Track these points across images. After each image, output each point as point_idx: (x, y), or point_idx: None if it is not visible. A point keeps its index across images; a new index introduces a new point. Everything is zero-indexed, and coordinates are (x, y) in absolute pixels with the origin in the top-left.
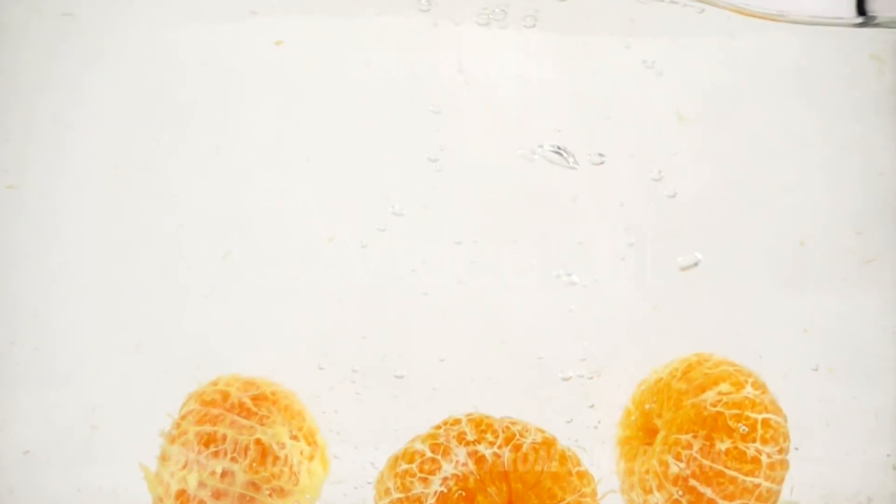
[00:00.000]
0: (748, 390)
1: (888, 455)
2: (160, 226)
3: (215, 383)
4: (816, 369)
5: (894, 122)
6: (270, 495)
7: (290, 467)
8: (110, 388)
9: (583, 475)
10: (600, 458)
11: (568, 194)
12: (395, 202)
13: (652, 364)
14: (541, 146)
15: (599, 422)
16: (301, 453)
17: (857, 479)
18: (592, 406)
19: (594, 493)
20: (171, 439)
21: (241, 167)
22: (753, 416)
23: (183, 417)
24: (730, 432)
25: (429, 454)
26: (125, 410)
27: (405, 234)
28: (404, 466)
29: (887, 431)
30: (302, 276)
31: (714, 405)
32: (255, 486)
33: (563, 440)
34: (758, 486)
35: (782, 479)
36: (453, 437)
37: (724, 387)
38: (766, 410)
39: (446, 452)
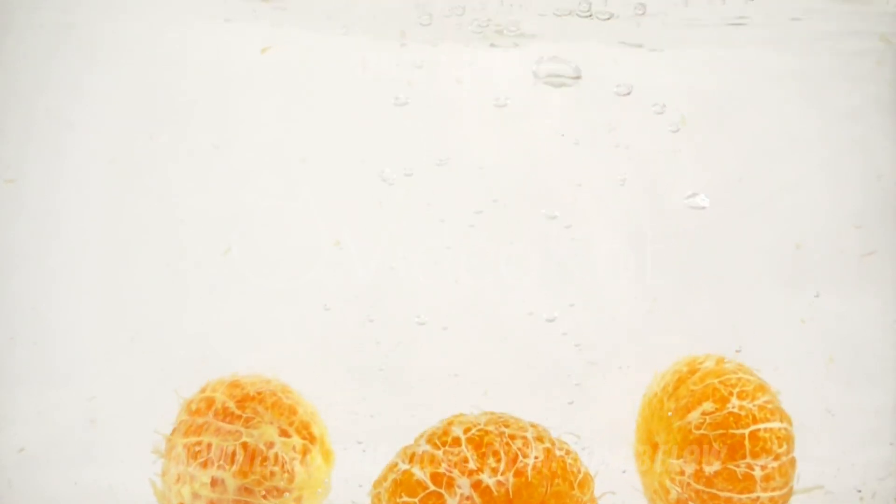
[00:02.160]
0: (732, 404)
1: (888, 450)
2: (160, 224)
3: (203, 390)
4: (816, 365)
5: (894, 123)
6: (265, 497)
7: (283, 465)
8: (109, 385)
9: (583, 484)
10: (600, 453)
11: (569, 195)
12: (395, 202)
13: (650, 361)
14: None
15: (600, 417)
16: (294, 448)
17: (857, 478)
18: (593, 401)
19: (593, 496)
20: (167, 454)
21: (240, 166)
22: (739, 432)
23: (174, 430)
24: (717, 454)
25: (432, 487)
26: (124, 408)
27: (405, 234)
28: (406, 499)
29: (887, 430)
30: (302, 275)
31: (698, 427)
32: (247, 490)
33: (562, 434)
34: (756, 499)
35: (786, 483)
36: (455, 464)
37: (707, 406)
38: (755, 421)
39: (450, 485)
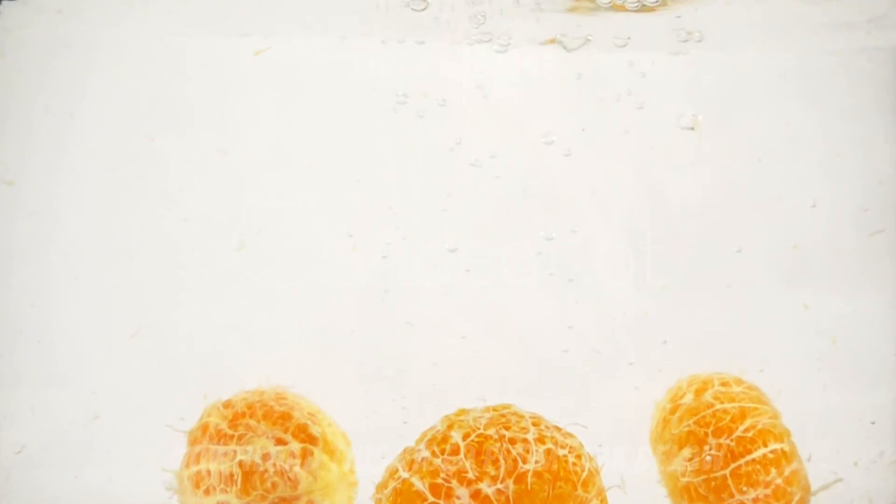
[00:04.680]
0: (709, 445)
1: (889, 454)
2: (164, 222)
3: (201, 417)
4: (817, 362)
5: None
6: None
7: (282, 474)
8: (111, 383)
9: (587, 482)
10: (602, 454)
11: (568, 196)
12: (398, 203)
13: (649, 362)
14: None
15: (601, 420)
16: (292, 454)
17: (857, 479)
18: (595, 403)
19: (599, 493)
20: (179, 489)
21: (245, 166)
22: (720, 474)
23: (181, 465)
24: (705, 499)
25: (431, 498)
26: (125, 406)
27: (407, 235)
28: None
29: (888, 431)
30: (308, 274)
31: (683, 475)
32: None
33: (568, 425)
34: None
35: (789, 501)
36: (453, 474)
37: (686, 452)
38: (734, 458)
39: (448, 495)
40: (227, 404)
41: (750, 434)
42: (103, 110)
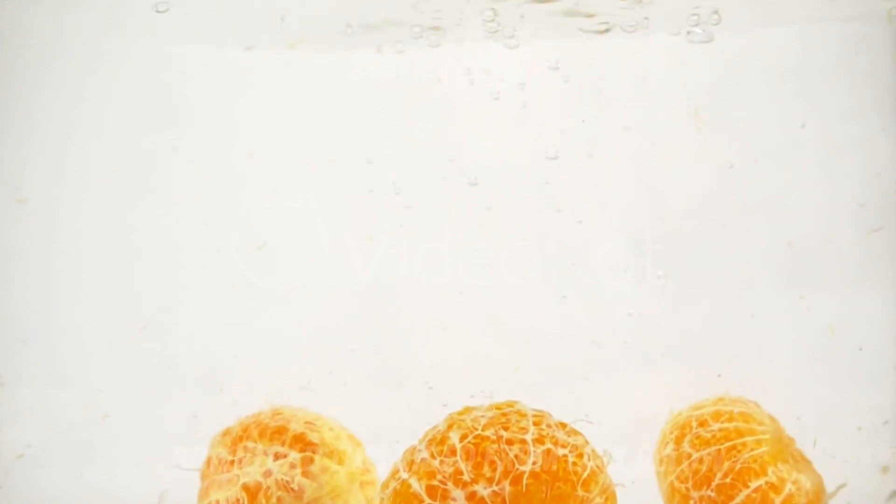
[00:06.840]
0: (693, 498)
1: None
2: (165, 224)
3: (207, 451)
4: (816, 362)
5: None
6: None
7: (285, 487)
8: (111, 386)
9: (588, 482)
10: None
11: (567, 197)
12: (401, 202)
13: (649, 361)
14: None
15: (600, 423)
16: (291, 465)
17: (858, 478)
18: (594, 405)
19: (603, 491)
20: None
21: (246, 168)
22: None
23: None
24: None
25: (427, 501)
26: (126, 409)
27: (408, 236)
28: None
29: (888, 428)
30: (305, 275)
31: None
32: None
33: (574, 421)
34: None
35: None
36: (450, 476)
37: None
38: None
39: (444, 497)
40: (226, 432)
41: (728, 479)
42: (103, 111)
